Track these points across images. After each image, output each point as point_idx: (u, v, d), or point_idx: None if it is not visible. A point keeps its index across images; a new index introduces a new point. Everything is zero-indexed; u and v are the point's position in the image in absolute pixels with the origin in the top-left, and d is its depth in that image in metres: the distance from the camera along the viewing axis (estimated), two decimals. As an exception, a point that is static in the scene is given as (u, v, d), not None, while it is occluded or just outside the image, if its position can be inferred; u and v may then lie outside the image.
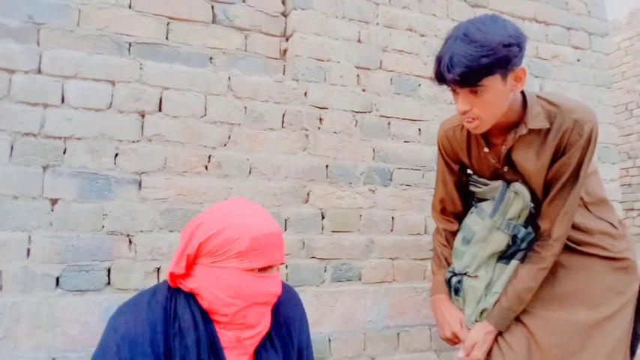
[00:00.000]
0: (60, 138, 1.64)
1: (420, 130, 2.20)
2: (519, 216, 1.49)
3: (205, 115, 1.83)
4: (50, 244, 1.59)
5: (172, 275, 1.11)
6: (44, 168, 1.61)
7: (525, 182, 1.49)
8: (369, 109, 2.11)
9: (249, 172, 1.88)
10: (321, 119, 2.02)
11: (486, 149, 1.52)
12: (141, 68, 1.76)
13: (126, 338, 1.03)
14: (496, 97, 1.32)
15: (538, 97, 1.46)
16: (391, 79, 2.17)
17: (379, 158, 2.11)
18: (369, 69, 2.13)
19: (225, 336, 1.11)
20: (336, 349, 1.93)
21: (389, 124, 2.15)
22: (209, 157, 1.82)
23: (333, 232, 1.99)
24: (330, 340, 1.92)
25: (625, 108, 6.09)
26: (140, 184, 1.72)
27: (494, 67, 1.26)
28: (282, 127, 1.95)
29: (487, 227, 1.51)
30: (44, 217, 1.60)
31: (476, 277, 1.52)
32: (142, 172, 1.72)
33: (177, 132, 1.78)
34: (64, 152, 1.64)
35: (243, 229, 1.07)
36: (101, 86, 1.70)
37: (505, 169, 1.51)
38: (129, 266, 1.67)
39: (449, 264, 1.66)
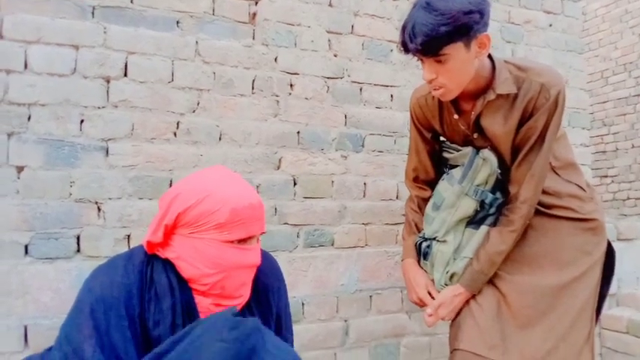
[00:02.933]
0: (24, 104, 1.61)
1: (392, 95, 2.20)
2: (487, 182, 1.51)
3: (173, 80, 1.80)
4: (17, 211, 1.58)
5: (150, 243, 1.11)
6: (9, 135, 1.59)
7: (494, 148, 1.51)
8: (341, 74, 2.10)
9: (220, 139, 1.86)
10: (291, 85, 2.01)
11: (456, 116, 1.52)
12: (105, 32, 1.72)
13: (100, 300, 1.04)
14: (460, 65, 1.33)
15: (506, 62, 1.46)
16: (363, 44, 2.15)
17: (351, 124, 2.11)
18: (340, 34, 2.11)
19: (203, 302, 1.11)
20: (310, 312, 1.97)
21: (361, 89, 2.14)
22: (177, 123, 1.80)
23: (305, 198, 2.00)
24: (303, 303, 1.96)
25: (601, 75, 6.12)
26: (107, 151, 1.70)
27: (455, 36, 1.27)
28: (253, 92, 1.93)
29: (455, 193, 1.53)
30: (10, 184, 1.58)
31: (444, 241, 1.54)
32: (109, 139, 1.70)
33: (144, 98, 1.75)
34: (29, 119, 1.61)
35: (223, 201, 1.07)
36: (64, 51, 1.66)
37: (475, 135, 1.52)
38: (98, 234, 1.67)
39: (419, 230, 1.69)
